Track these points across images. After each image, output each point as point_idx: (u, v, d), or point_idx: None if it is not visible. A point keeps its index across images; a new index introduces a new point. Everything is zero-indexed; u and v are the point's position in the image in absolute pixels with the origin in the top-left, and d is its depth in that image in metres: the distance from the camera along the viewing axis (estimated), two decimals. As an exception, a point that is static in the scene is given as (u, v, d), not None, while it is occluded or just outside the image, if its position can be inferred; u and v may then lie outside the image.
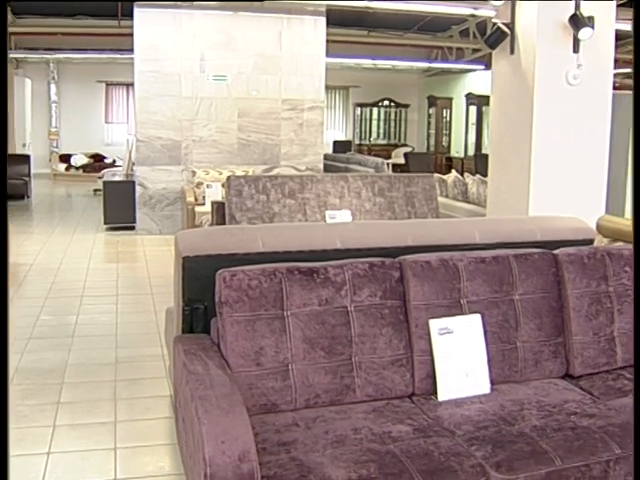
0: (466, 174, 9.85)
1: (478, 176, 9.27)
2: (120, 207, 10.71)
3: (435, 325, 3.12)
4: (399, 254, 3.33)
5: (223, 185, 8.17)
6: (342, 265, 3.13)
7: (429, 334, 3.12)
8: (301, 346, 2.97)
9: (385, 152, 20.74)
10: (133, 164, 11.01)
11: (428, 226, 4.12)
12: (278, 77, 10.80)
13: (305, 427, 2.81)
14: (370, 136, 22.12)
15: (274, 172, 10.61)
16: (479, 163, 15.67)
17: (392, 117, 22.30)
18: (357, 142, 21.46)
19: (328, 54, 11.24)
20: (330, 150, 18.13)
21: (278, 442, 2.67)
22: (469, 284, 3.26)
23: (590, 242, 4.15)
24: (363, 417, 2.91)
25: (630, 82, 21.39)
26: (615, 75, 23.04)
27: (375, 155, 16.94)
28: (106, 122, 20.60)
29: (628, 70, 19.46)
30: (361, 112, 21.89)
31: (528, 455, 2.63)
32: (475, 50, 16.96)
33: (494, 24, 5.79)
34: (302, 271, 3.05)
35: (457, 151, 20.71)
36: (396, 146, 21.70)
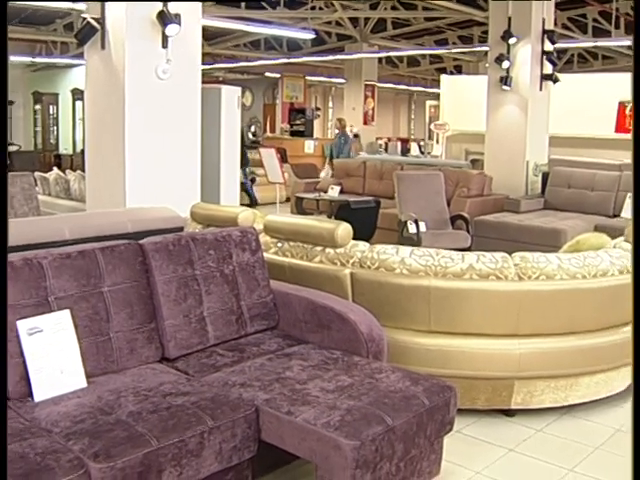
0: (68, 170, 9.66)
1: (79, 172, 9.12)
2: None
3: (23, 326, 3.06)
4: (-16, 258, 3.22)
5: None
6: None
7: (18, 336, 3.07)
8: None
9: (-11, 152, 19.65)
10: None
11: (16, 226, 4.00)
12: None
13: None
14: (-28, 136, 20.81)
15: None
16: (88, 159, 15.43)
17: (-4, 115, 21.21)
18: (-41, 143, 20.04)
19: None
20: None
21: None
22: (55, 281, 3.25)
23: (181, 229, 4.34)
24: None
25: (233, 76, 22.50)
26: (218, 69, 23.74)
27: (-21, 156, 15.95)
28: None
29: (231, 65, 20.43)
30: (-40, 110, 20.52)
31: (125, 441, 2.71)
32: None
33: (84, 19, 5.72)
34: None
35: (66, 148, 20.32)
36: (2, 145, 20.65)
